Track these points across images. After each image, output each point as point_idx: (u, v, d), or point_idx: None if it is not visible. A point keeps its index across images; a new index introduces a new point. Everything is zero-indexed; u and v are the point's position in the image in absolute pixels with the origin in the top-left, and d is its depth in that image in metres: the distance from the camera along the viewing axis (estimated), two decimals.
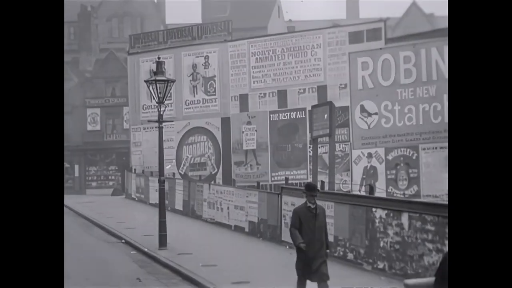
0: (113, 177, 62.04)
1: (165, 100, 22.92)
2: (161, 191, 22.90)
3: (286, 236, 22.08)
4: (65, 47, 73.38)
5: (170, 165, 42.34)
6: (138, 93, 44.21)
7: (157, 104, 22.97)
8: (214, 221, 28.87)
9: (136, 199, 41.64)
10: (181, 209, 33.07)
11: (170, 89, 22.95)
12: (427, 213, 14.76)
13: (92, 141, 61.05)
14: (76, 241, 25.82)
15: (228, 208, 27.17)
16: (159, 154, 23.35)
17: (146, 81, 23.49)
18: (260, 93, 39.33)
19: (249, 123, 39.45)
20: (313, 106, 27.85)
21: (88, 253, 23.05)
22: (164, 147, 43.23)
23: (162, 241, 22.44)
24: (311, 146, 37.38)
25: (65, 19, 73.03)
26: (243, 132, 39.57)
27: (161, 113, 22.94)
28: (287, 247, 21.78)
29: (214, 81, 41.07)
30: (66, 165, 62.24)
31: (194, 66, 41.57)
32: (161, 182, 22.88)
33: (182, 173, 41.68)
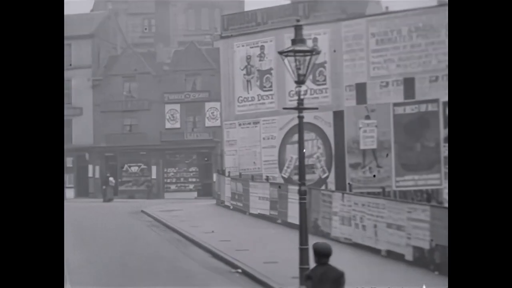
0: (193, 180, 56.28)
1: (307, 78, 16.42)
2: (303, 207, 16.35)
3: None
4: (140, 40, 68.22)
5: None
6: (233, 83, 37.88)
7: (296, 85, 16.50)
8: (350, 241, 22.29)
9: (231, 207, 35.32)
10: (297, 223, 26.48)
11: (314, 63, 16.42)
12: None
13: (171, 140, 55.90)
14: (175, 268, 19.62)
15: (375, 226, 20.55)
16: (299, 154, 16.85)
17: (281, 53, 16.95)
18: (382, 82, 32.67)
19: (367, 117, 32.82)
20: None
21: None
22: (263, 146, 37.65)
23: None
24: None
25: (141, 11, 67.14)
26: (360, 128, 32.86)
27: (302, 97, 16.47)
28: None
29: (325, 67, 34.51)
30: (142, 166, 56.83)
31: None
32: (303, 193, 16.30)
33: (286, 176, 35.25)
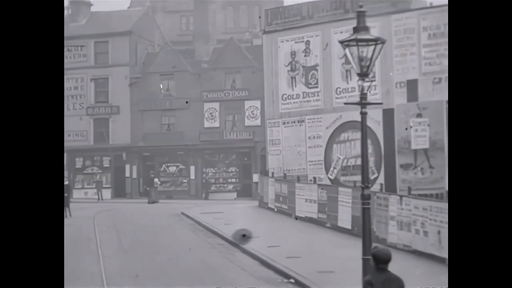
0: (233, 180, 54.76)
1: (371, 70, 14.83)
2: (366, 212, 14.67)
3: None
4: (178, 38, 66.99)
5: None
6: (277, 80, 36.36)
7: (359, 78, 14.94)
8: (410, 248, 20.66)
9: (275, 209, 33.77)
10: (349, 228, 25.02)
11: (379, 53, 14.84)
12: None
13: (210, 139, 54.25)
14: (222, 277, 18.19)
15: (439, 232, 18.89)
16: (362, 154, 15.17)
17: (342, 42, 15.39)
18: (435, 78, 30.98)
19: (419, 115, 31.07)
20: None
21: None
22: (308, 145, 36.08)
23: None
24: None
25: (179, 8, 65.87)
26: (411, 127, 31.15)
27: (366, 91, 14.89)
28: None
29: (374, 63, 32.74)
30: (180, 166, 55.50)
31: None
32: (366, 198, 14.67)
33: (332, 178, 33.68)
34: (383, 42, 15.16)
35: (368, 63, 14.87)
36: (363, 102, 15.05)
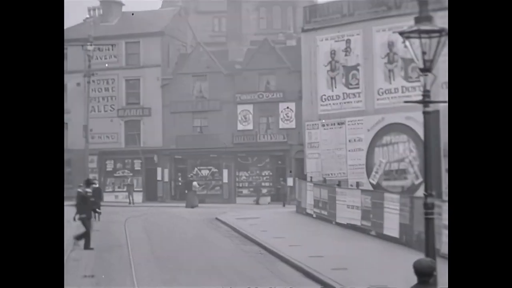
0: (267, 184, 53.33)
1: (434, 65, 13.37)
2: (430, 224, 13.10)
3: None
4: (210, 39, 65.81)
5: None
6: (315, 80, 34.93)
7: (420, 73, 13.47)
8: None
9: (314, 215, 32.26)
10: (397, 236, 23.50)
11: (443, 46, 13.36)
12: None
13: (243, 142, 52.86)
14: None
15: None
16: (426, 157, 13.67)
17: (401, 33, 13.89)
18: None
19: None
20: None
21: None
22: (349, 148, 34.62)
23: None
24: None
25: (211, 9, 64.55)
26: None
27: (428, 88, 13.42)
28: None
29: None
30: (213, 169, 54.21)
31: (391, 45, 31.88)
32: (429, 207, 13.15)
33: (374, 183, 32.13)
34: (447, 33, 13.70)
35: (431, 57, 13.42)
36: (426, 101, 13.51)
